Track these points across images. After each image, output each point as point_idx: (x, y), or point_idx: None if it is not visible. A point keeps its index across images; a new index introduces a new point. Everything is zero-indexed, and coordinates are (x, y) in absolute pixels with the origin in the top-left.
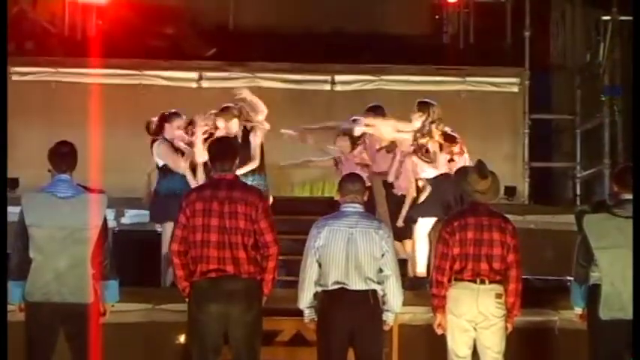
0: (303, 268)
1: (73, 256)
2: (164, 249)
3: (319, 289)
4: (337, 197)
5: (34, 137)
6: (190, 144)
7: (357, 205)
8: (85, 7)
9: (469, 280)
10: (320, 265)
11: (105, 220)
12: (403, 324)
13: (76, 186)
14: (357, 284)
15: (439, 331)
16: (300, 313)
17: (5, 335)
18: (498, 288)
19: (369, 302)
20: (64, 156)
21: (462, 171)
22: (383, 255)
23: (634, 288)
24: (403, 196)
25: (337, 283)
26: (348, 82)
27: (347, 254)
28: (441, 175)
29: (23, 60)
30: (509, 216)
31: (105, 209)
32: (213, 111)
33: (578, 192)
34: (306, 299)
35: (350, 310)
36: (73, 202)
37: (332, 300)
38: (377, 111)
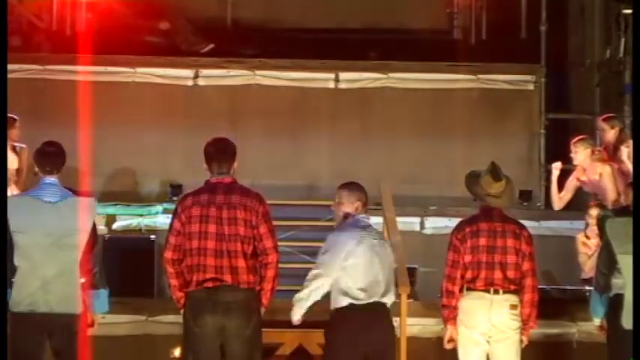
0: (311, 278)
1: (61, 263)
2: None
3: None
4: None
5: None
6: None
7: (365, 218)
8: (74, 0)
9: (482, 290)
10: (333, 277)
11: (94, 226)
12: (412, 336)
13: (63, 189)
14: (371, 297)
15: (450, 345)
16: (301, 325)
17: (5, 335)
18: (513, 298)
19: (385, 317)
20: (50, 157)
21: (474, 174)
22: (395, 269)
23: (634, 289)
24: None
25: (350, 296)
26: (353, 79)
27: (366, 266)
28: None
29: (8, 56)
30: (524, 222)
31: (94, 214)
32: None
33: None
34: (302, 312)
35: (363, 326)
36: (60, 207)
37: (344, 315)
38: None
